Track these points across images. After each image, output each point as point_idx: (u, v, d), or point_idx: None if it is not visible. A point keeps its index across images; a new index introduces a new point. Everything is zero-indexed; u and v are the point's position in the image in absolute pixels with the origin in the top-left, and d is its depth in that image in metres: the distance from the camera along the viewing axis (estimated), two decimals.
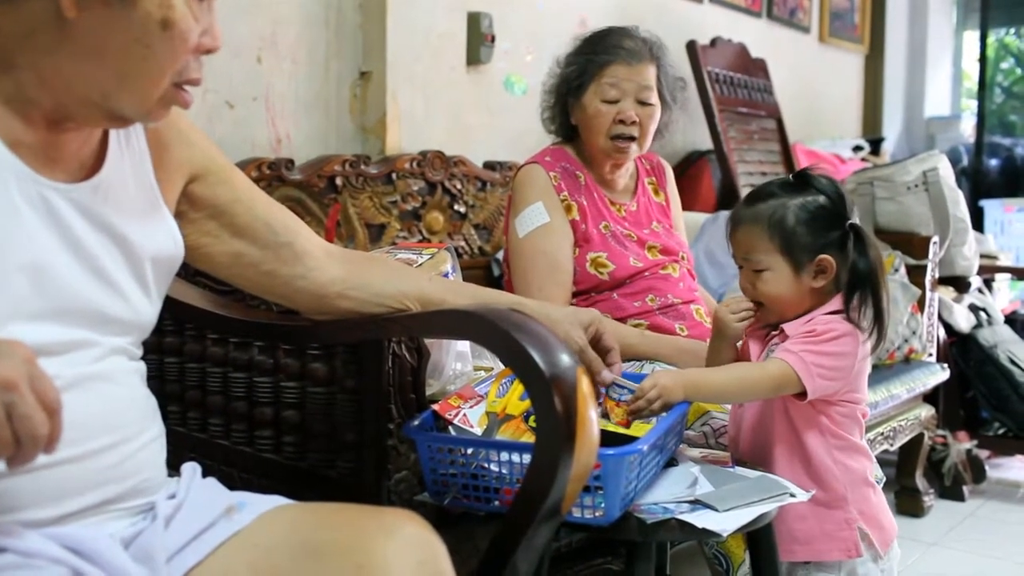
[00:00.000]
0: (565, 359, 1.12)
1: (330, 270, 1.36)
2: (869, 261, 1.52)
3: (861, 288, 1.52)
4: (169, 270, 1.16)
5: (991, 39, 6.14)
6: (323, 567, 0.98)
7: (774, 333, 1.57)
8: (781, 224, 1.52)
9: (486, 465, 1.33)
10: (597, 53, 2.08)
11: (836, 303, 1.54)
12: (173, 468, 1.17)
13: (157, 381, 1.71)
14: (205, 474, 1.18)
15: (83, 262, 1.02)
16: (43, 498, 0.97)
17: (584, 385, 1.12)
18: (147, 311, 1.12)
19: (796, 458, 1.54)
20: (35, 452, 0.80)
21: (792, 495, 1.43)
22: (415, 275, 1.46)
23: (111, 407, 1.04)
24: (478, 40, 2.85)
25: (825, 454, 1.53)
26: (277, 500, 1.10)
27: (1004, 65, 6.80)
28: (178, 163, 1.19)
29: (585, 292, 2.07)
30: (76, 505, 1.00)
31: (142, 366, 1.14)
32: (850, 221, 1.53)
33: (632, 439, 1.37)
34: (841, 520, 1.52)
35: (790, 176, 1.59)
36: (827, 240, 1.52)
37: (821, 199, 1.53)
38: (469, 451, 1.35)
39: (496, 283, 2.69)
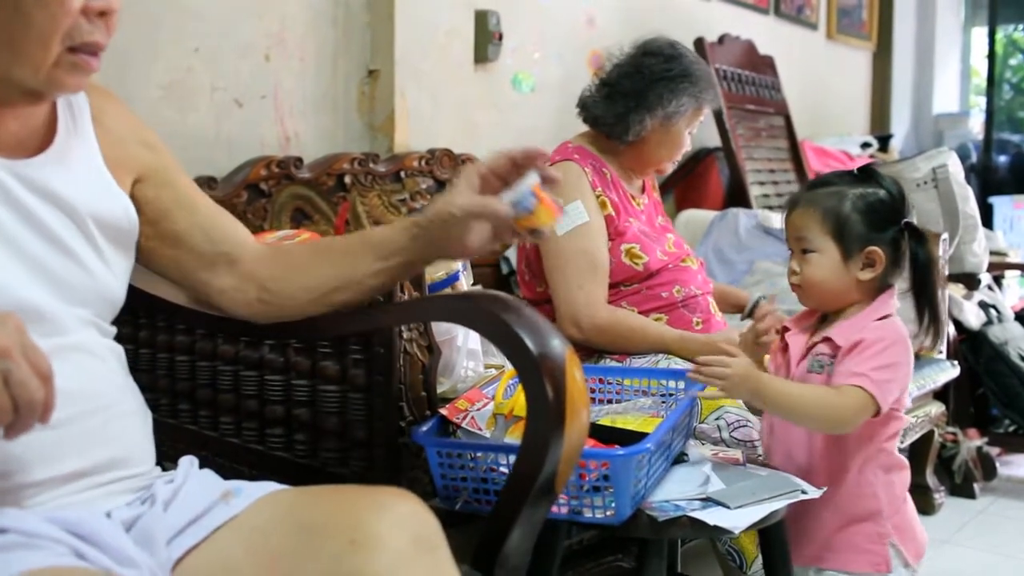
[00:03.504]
0: (555, 341, 1.14)
1: (255, 277, 1.33)
2: (928, 253, 1.51)
3: (922, 282, 1.51)
4: (118, 236, 1.17)
5: (1000, 35, 6.13)
6: (317, 544, 0.99)
7: (816, 341, 1.53)
8: (837, 209, 1.51)
9: (496, 468, 1.33)
10: (702, 91, 2.13)
11: (884, 306, 1.52)
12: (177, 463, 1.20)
13: (168, 379, 1.71)
14: (217, 472, 1.19)
15: (35, 231, 1.06)
16: (27, 464, 0.99)
17: (575, 367, 1.13)
18: (106, 279, 1.14)
19: (837, 471, 1.50)
20: (32, 419, 0.82)
21: (803, 492, 1.43)
22: (344, 254, 1.34)
23: (86, 375, 1.07)
24: (486, 38, 2.84)
25: (870, 472, 1.51)
26: (272, 486, 1.12)
27: (1013, 61, 6.78)
28: (129, 158, 1.22)
29: (616, 285, 2.07)
30: (61, 469, 1.02)
31: (118, 348, 1.17)
32: (906, 220, 1.52)
33: (641, 435, 1.37)
34: (873, 534, 1.50)
35: (855, 169, 1.58)
36: (880, 234, 1.51)
37: (881, 193, 1.52)
38: (479, 455, 1.35)
39: (505, 281, 2.69)
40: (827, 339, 1.52)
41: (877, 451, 1.52)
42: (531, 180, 1.21)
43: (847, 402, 1.43)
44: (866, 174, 1.56)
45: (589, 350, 2.01)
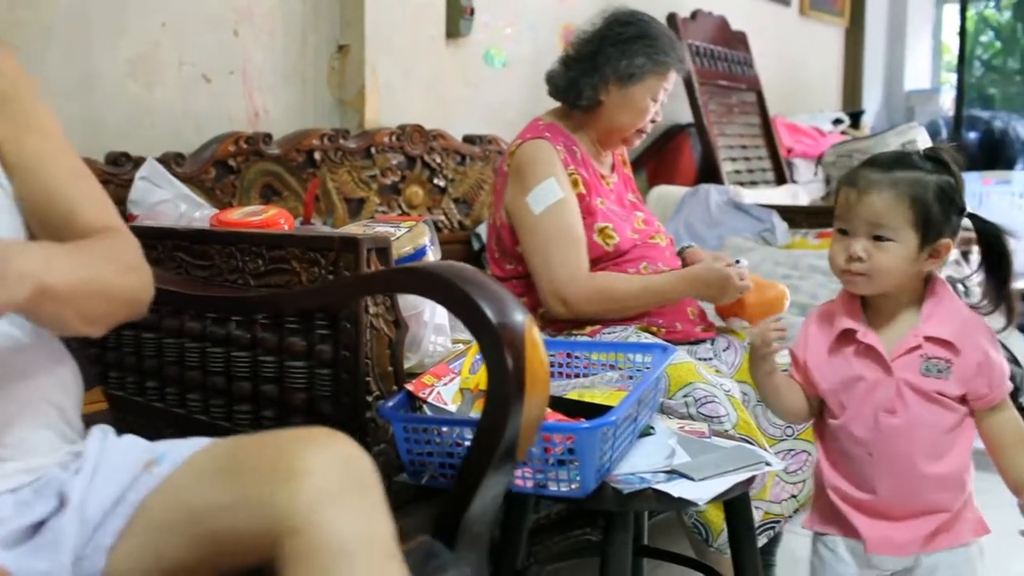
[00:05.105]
0: (516, 311, 1.15)
1: None
2: (1003, 240, 1.48)
3: (997, 266, 1.48)
4: None
5: (971, 12, 6.16)
6: (242, 487, 0.95)
7: (914, 346, 1.43)
8: (922, 197, 1.41)
9: (461, 443, 1.34)
10: (659, 52, 2.09)
11: (953, 294, 1.48)
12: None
13: (135, 357, 1.71)
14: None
15: None
16: None
17: (535, 337, 1.14)
18: None
19: (963, 452, 1.48)
20: None
21: (767, 463, 1.45)
22: None
23: None
24: (457, 12, 2.83)
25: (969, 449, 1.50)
26: (199, 442, 1.07)
27: (984, 38, 6.83)
28: None
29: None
30: None
31: None
32: (968, 210, 1.46)
33: (606, 409, 1.38)
34: (971, 501, 1.49)
35: (923, 150, 1.49)
36: (952, 224, 1.44)
37: (953, 181, 1.44)
38: (444, 429, 1.35)
39: (476, 257, 2.69)
40: (932, 339, 1.43)
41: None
42: None
43: (1014, 411, 1.46)
44: (939, 158, 1.46)
45: (580, 322, 2.02)
